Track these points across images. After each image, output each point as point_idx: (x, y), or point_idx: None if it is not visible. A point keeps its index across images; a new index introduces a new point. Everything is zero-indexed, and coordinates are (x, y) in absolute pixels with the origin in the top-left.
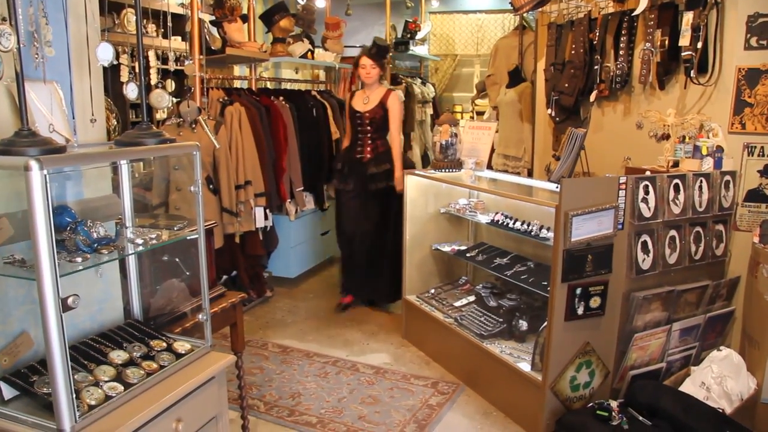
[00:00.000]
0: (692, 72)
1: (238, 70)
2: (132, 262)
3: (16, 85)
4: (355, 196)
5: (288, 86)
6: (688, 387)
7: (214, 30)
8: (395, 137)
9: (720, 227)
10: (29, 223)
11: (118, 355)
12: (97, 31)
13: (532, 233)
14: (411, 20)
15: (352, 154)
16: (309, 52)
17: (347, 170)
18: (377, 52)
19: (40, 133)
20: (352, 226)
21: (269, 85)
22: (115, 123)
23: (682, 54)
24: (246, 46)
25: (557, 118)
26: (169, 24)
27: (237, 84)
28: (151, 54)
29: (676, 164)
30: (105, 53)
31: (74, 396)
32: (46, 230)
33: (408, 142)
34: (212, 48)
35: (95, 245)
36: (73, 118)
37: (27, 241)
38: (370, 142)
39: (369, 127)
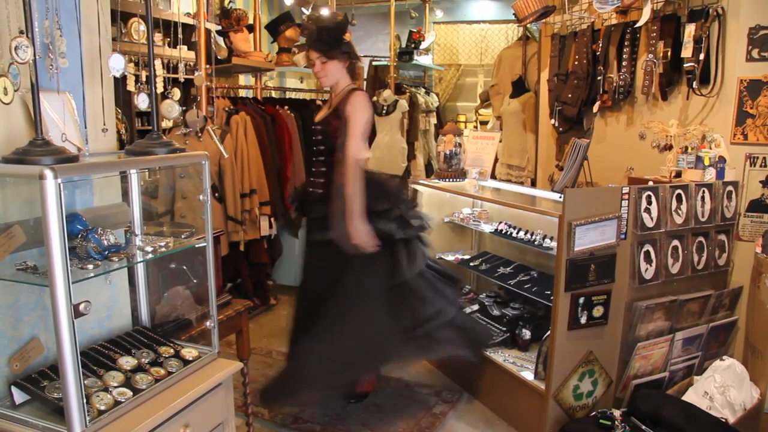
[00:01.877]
0: (694, 83)
1: (243, 79)
2: (141, 270)
3: (31, 96)
4: (318, 251)
5: (293, 95)
6: (690, 396)
7: (220, 40)
8: (348, 157)
9: (722, 237)
10: (43, 230)
11: (126, 361)
12: (109, 42)
13: (536, 243)
14: (415, 30)
15: (305, 186)
16: None
17: (310, 213)
18: (320, 37)
19: (54, 143)
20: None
21: (274, 94)
22: (124, 132)
23: (685, 65)
24: (252, 55)
25: (560, 129)
26: (180, 35)
27: (242, 93)
28: (158, 63)
29: (678, 174)
30: (117, 63)
31: (84, 401)
32: (59, 238)
33: (412, 152)
34: (218, 57)
35: (106, 252)
36: (85, 127)
37: (39, 248)
38: (323, 168)
39: (322, 146)
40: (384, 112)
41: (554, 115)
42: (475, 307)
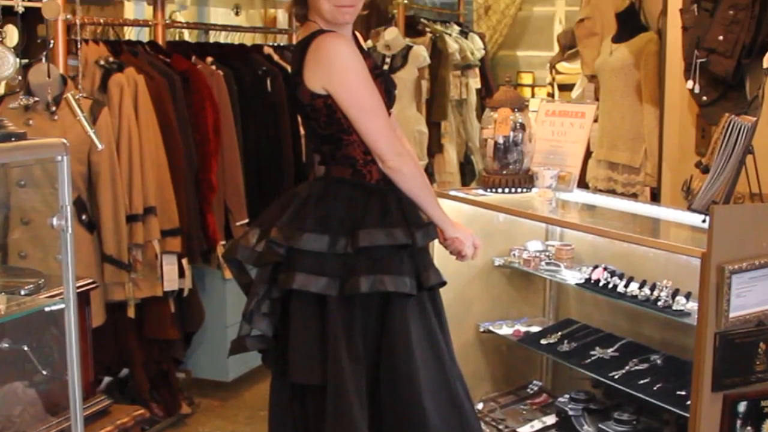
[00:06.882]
0: None
1: (132, 8)
2: None
3: None
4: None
5: (222, 38)
6: None
7: None
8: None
9: None
10: None
11: None
12: None
13: (659, 303)
14: None
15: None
16: None
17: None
18: None
19: None
20: None
21: (188, 36)
22: None
23: None
24: None
25: (704, 97)
26: None
27: (131, 35)
28: None
29: None
30: None
31: None
32: None
33: (437, 140)
34: None
35: None
36: None
37: None
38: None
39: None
40: (387, 67)
41: (693, 72)
42: (551, 419)
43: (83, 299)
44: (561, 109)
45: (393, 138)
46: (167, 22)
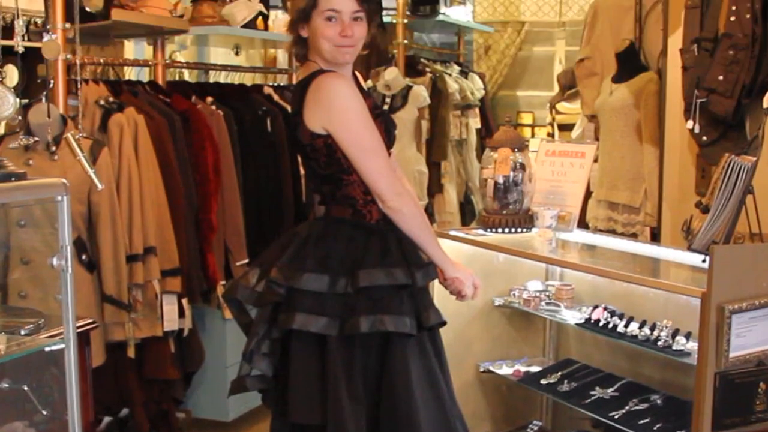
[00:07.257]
0: None
1: (132, 48)
2: None
3: None
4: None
5: (222, 78)
6: None
7: None
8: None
9: None
10: None
11: None
12: None
13: (659, 343)
14: None
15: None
16: (260, 17)
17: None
18: None
19: None
20: None
21: (188, 76)
22: None
23: None
24: (148, 5)
25: (704, 137)
26: None
27: (131, 75)
28: None
29: None
30: None
31: None
32: None
33: (437, 180)
34: (87, 10)
35: None
36: None
37: None
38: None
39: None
40: (387, 107)
41: (693, 112)
42: None
43: (83, 339)
44: (561, 149)
45: (393, 178)
46: (167, 61)
